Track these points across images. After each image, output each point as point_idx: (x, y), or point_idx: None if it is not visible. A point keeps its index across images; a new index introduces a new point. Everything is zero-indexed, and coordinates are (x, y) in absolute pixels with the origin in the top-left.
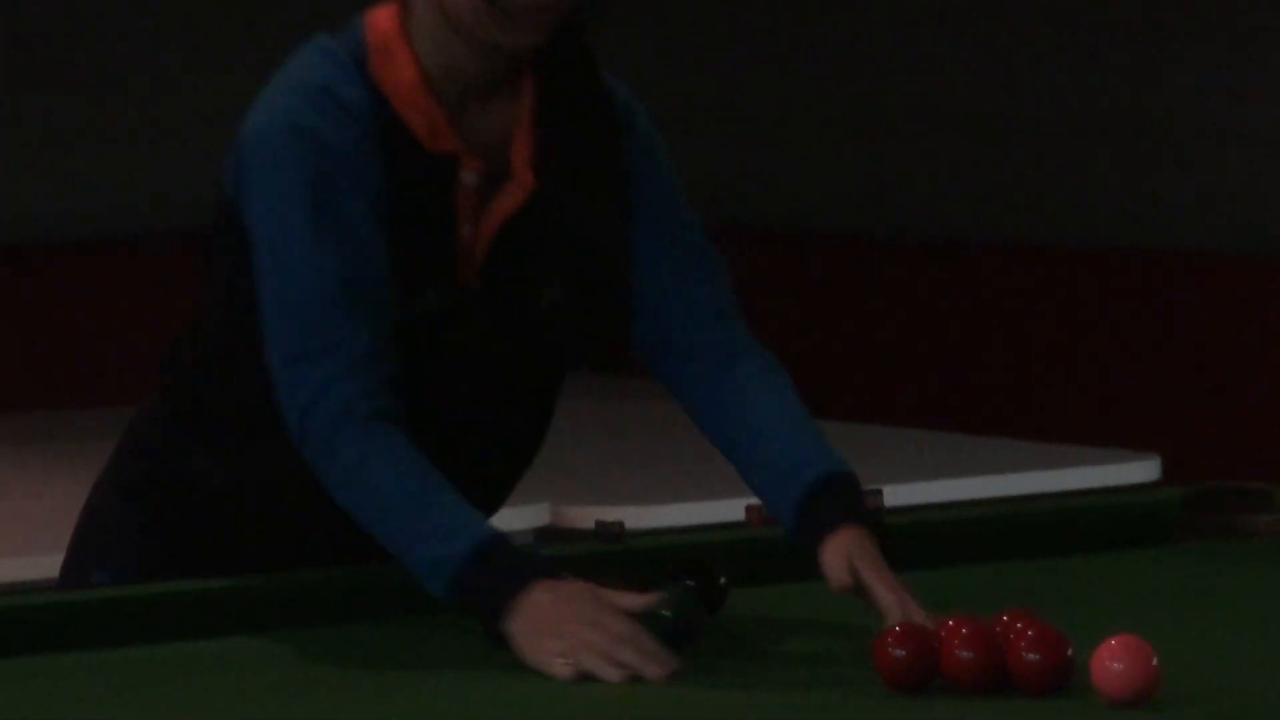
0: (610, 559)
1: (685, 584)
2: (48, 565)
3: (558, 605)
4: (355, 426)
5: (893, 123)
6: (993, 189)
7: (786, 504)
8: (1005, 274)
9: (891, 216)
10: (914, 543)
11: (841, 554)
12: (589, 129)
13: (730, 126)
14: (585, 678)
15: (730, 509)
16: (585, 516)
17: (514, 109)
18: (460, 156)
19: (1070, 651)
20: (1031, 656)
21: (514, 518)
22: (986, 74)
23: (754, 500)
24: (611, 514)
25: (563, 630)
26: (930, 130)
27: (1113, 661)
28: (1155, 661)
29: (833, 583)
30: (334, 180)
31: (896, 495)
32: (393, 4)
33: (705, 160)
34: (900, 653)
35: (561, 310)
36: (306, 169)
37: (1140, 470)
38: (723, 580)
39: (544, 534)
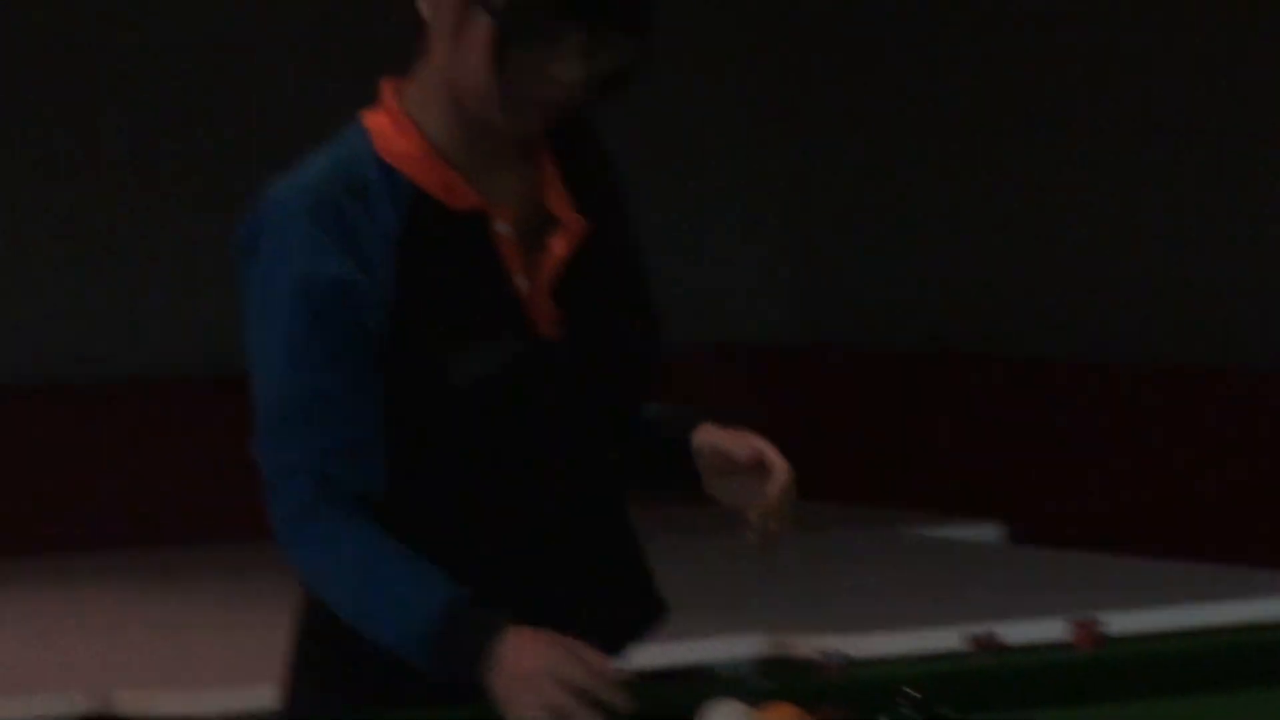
0: (834, 688)
1: (907, 714)
2: (258, 694)
3: (534, 656)
4: (313, 519)
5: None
6: (1153, 307)
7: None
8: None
9: (1076, 339)
10: (1141, 671)
11: (715, 436)
12: (599, 168)
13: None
14: None
15: (948, 638)
16: (807, 645)
17: (532, 160)
18: (487, 210)
19: None
20: None
21: (735, 646)
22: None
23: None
24: (833, 643)
25: (540, 683)
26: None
27: None
28: None
29: (739, 456)
30: (335, 283)
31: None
32: (387, 90)
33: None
34: None
35: (643, 343)
36: (309, 266)
37: None
38: (943, 711)
39: (766, 663)
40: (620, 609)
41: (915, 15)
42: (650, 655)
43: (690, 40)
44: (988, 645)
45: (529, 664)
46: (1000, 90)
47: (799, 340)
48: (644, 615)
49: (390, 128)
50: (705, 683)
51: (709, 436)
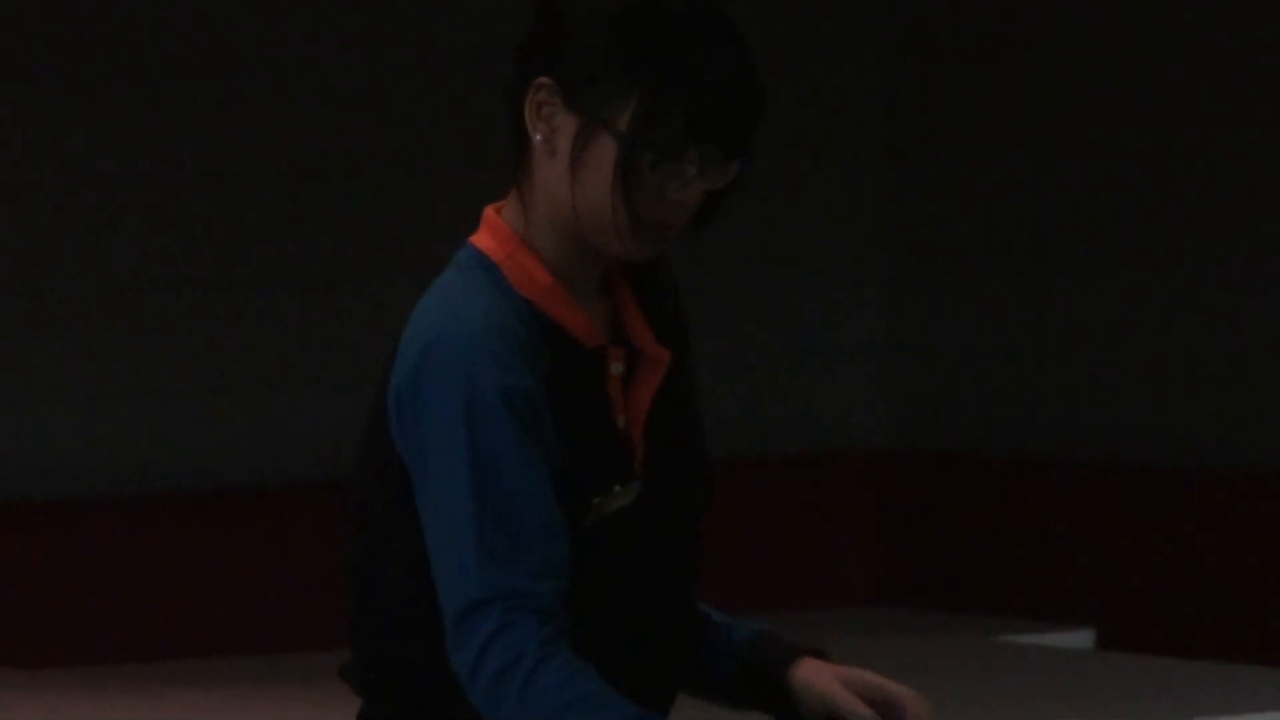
0: None
1: None
2: None
3: None
4: (528, 661)
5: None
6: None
7: (723, 657)
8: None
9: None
10: None
11: (830, 675)
12: (670, 297)
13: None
14: None
15: None
16: None
17: (614, 297)
18: (607, 348)
19: None
20: None
21: None
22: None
23: None
24: None
25: None
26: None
27: None
28: None
29: (852, 708)
30: (532, 396)
31: None
32: (493, 215)
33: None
34: None
35: (706, 483)
36: (509, 379)
37: None
38: None
39: None
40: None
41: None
42: None
43: (795, 132)
44: None
45: None
46: (1112, 205)
47: (890, 444)
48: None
49: (513, 258)
50: None
51: (816, 678)
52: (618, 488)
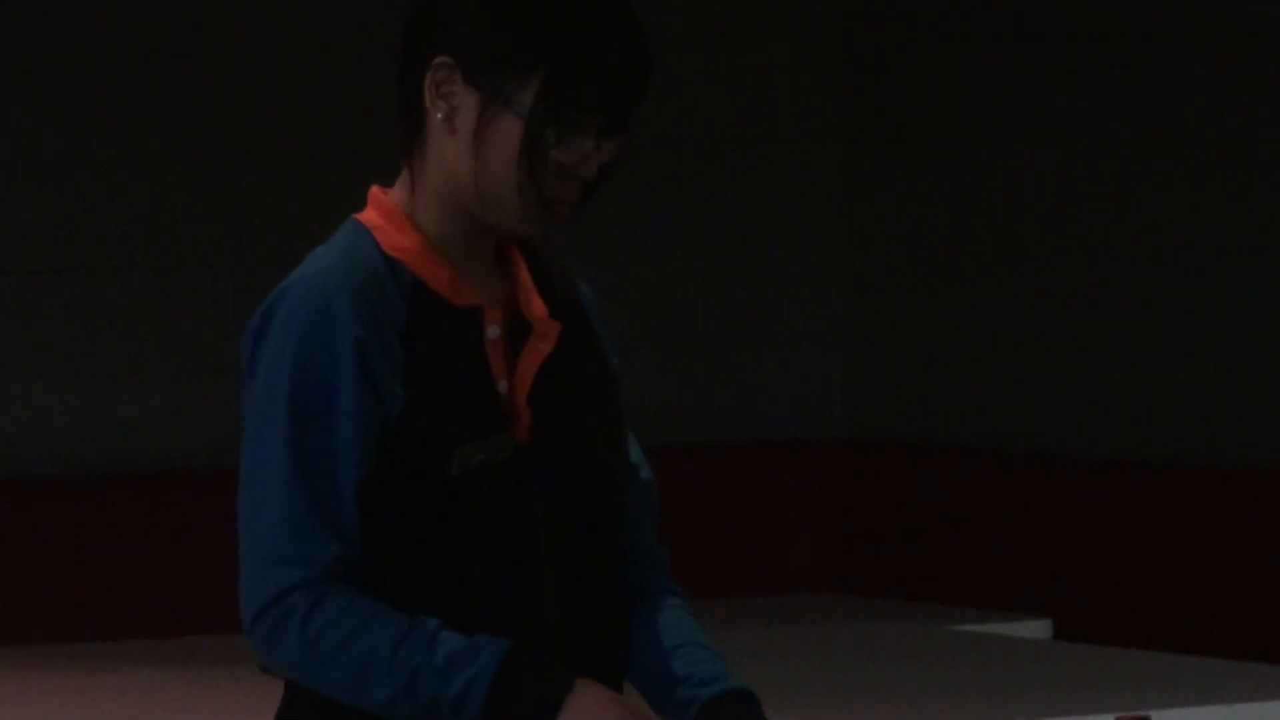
0: None
1: None
2: None
3: (601, 709)
4: (307, 609)
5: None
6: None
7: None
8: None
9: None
10: None
11: None
12: (563, 270)
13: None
14: None
15: None
16: None
17: (508, 269)
18: (484, 310)
19: None
20: None
21: None
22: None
23: None
24: None
25: None
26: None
27: None
28: None
29: None
30: (329, 376)
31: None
32: (377, 192)
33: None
34: None
35: (610, 453)
36: (304, 369)
37: None
38: None
39: None
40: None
41: (985, 118)
42: None
43: (753, 120)
44: None
45: (598, 714)
46: (1064, 193)
47: (847, 434)
48: None
49: (388, 225)
50: None
51: None
52: (484, 441)
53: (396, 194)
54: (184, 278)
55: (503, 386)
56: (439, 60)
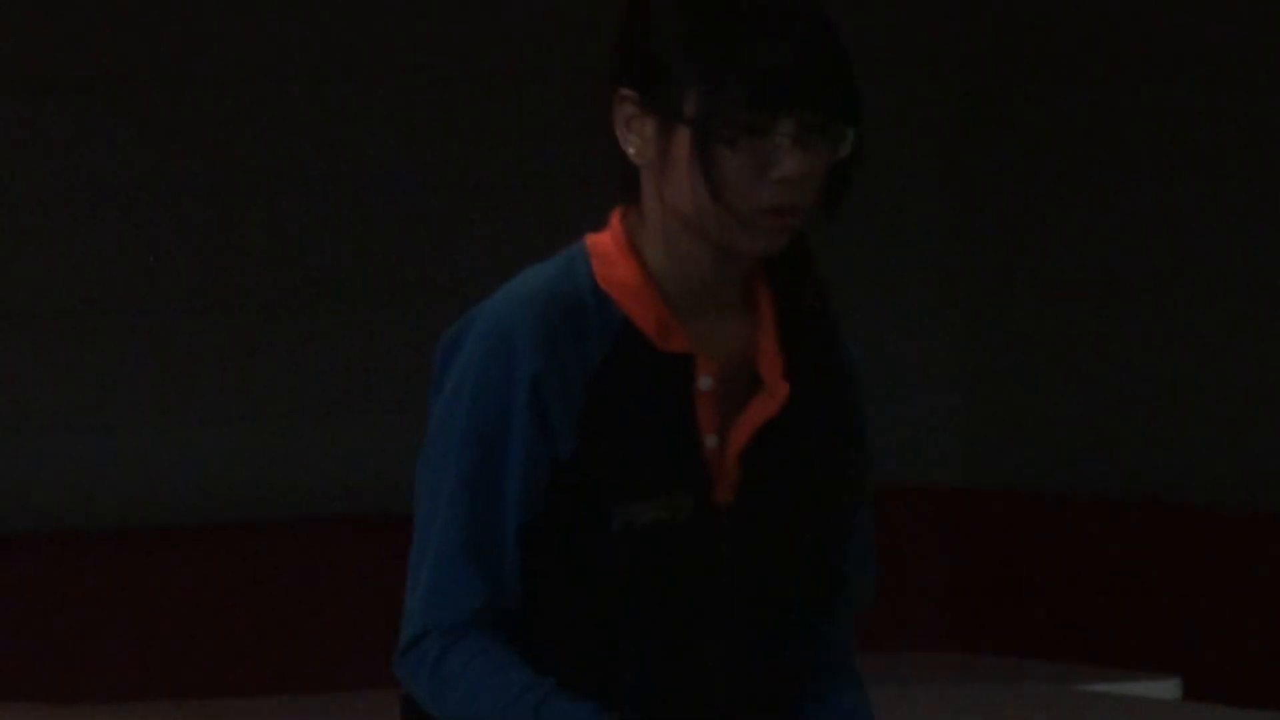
0: None
1: None
2: None
3: None
4: (438, 654)
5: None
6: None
7: None
8: None
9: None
10: None
11: None
12: (822, 329)
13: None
14: None
15: None
16: None
17: (753, 317)
18: (696, 359)
19: None
20: None
21: None
22: None
23: None
24: None
25: None
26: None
27: None
28: None
29: None
30: (504, 412)
31: None
32: (615, 216)
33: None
34: None
35: (822, 539)
36: (481, 400)
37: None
38: None
39: None
40: None
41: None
42: None
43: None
44: None
45: None
46: (1200, 240)
47: (973, 484)
48: None
49: (612, 253)
50: None
51: None
52: (657, 500)
53: (633, 220)
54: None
55: (711, 441)
56: (621, 93)
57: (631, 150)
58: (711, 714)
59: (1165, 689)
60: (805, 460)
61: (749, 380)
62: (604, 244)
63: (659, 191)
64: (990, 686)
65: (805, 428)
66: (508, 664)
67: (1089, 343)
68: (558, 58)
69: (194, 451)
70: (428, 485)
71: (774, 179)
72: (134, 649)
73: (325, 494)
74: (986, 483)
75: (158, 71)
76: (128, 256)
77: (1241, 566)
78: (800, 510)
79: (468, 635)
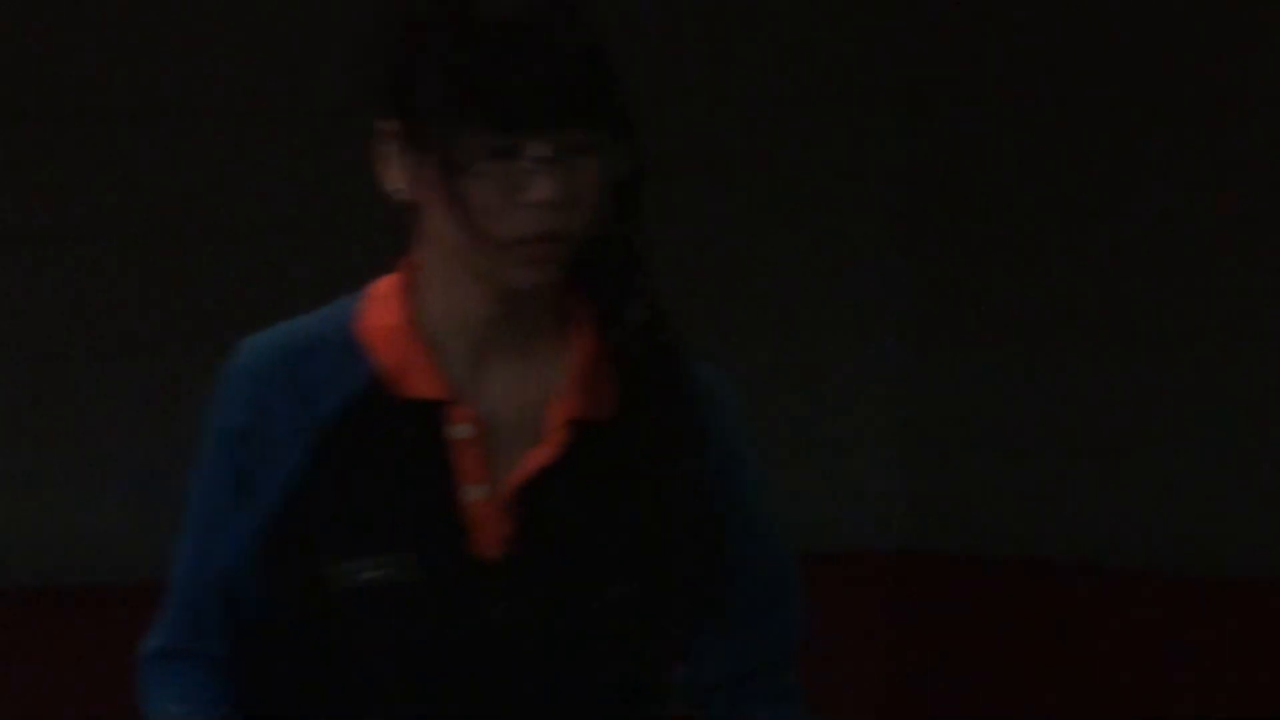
0: None
1: None
2: None
3: None
4: (150, 676)
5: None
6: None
7: None
8: None
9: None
10: None
11: None
12: (658, 376)
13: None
14: None
15: None
16: None
17: (564, 355)
18: (448, 406)
19: None
20: None
21: None
22: None
23: None
24: None
25: None
26: None
27: None
28: None
29: None
30: (208, 468)
31: None
32: (404, 261)
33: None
34: None
35: (632, 608)
36: (201, 451)
37: None
38: None
39: None
40: None
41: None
42: None
43: (811, 199)
44: None
45: None
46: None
47: (917, 546)
48: None
49: (387, 295)
50: None
51: None
52: (381, 557)
53: (416, 260)
54: None
55: (475, 493)
56: (380, 126)
57: (391, 186)
58: None
59: None
60: (605, 511)
61: (538, 427)
62: (383, 286)
63: (424, 231)
64: None
65: (611, 473)
66: (187, 699)
67: (1038, 396)
68: None
69: (71, 511)
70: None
71: (527, 204)
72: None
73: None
74: (929, 547)
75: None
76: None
77: (1200, 632)
78: (602, 570)
79: (170, 662)
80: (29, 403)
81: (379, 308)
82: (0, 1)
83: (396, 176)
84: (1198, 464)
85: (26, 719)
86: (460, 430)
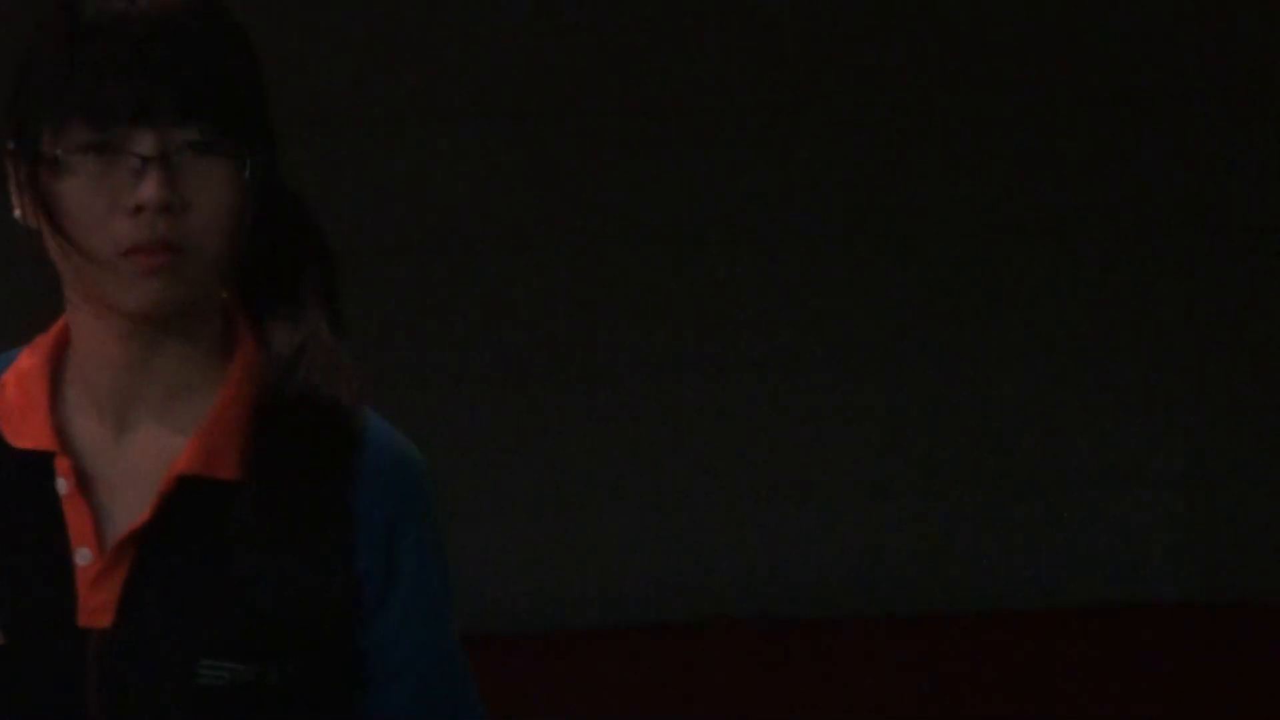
0: None
1: None
2: None
3: None
4: None
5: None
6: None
7: None
8: None
9: None
10: None
11: None
12: (296, 460)
13: None
14: None
15: None
16: None
17: (219, 396)
18: (51, 457)
19: None
20: None
21: None
22: None
23: None
24: None
25: None
26: None
27: None
28: None
29: None
30: None
31: None
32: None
33: None
34: None
35: (223, 694)
36: None
37: None
38: None
39: None
40: None
41: None
42: None
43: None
44: None
45: None
46: None
47: (1204, 598)
48: None
49: (51, 335)
50: None
51: None
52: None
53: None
54: None
55: (83, 556)
56: (5, 149)
57: (16, 213)
58: None
59: None
60: (202, 582)
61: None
62: (55, 327)
63: (51, 256)
64: None
65: (221, 540)
66: None
67: None
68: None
69: None
70: None
71: (129, 208)
72: None
73: None
74: (1212, 597)
75: None
76: None
77: None
78: (192, 649)
79: None
80: None
81: (33, 350)
82: None
83: (17, 200)
84: None
85: None
86: (60, 485)
